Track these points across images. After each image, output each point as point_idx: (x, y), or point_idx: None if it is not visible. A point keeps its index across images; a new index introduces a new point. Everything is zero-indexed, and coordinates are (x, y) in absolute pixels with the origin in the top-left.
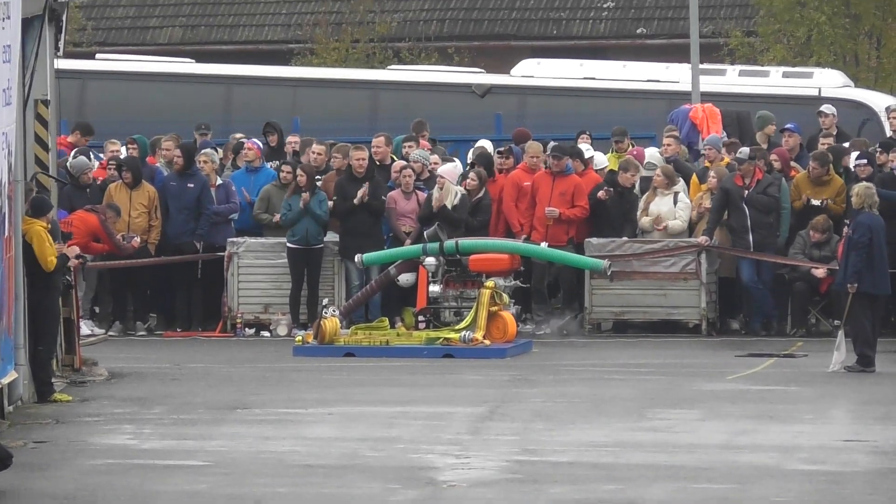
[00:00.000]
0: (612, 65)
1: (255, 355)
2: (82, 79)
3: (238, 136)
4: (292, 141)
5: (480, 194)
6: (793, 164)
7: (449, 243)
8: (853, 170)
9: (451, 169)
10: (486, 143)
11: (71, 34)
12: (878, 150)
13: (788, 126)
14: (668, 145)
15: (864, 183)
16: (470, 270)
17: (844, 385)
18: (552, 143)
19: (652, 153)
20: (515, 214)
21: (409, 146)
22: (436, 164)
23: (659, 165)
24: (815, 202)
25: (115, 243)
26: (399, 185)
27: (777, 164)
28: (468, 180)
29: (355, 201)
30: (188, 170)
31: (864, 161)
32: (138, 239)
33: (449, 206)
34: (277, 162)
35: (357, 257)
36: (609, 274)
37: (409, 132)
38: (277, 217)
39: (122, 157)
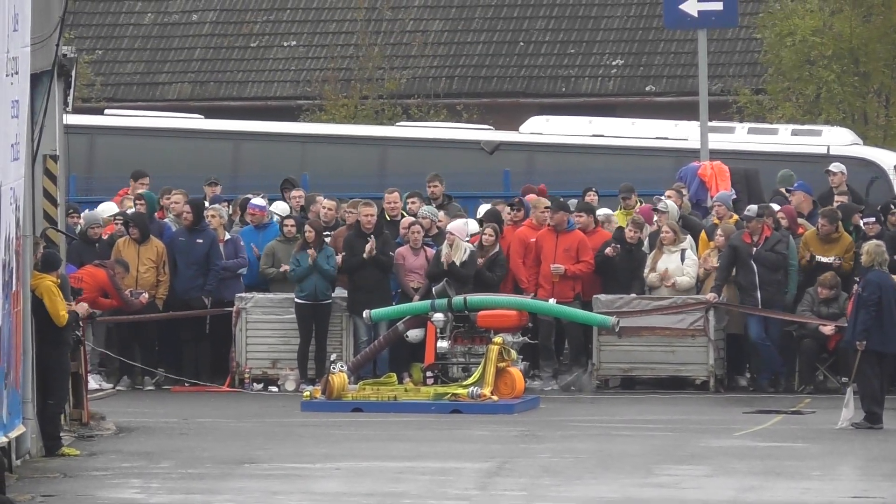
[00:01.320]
0: (621, 122)
1: (262, 410)
2: (91, 134)
3: (260, 198)
4: (297, 196)
5: (496, 250)
6: (802, 221)
7: (457, 299)
8: (863, 228)
9: (460, 226)
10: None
11: (80, 90)
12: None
13: (798, 184)
14: (670, 197)
15: (875, 241)
16: (478, 326)
17: (852, 442)
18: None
19: (670, 204)
20: (523, 271)
21: (413, 202)
22: (442, 221)
23: (669, 210)
24: (825, 260)
25: (124, 299)
26: (407, 242)
27: (784, 222)
28: (486, 236)
29: (364, 255)
30: (197, 225)
31: (873, 219)
32: (146, 295)
33: (458, 263)
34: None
35: (365, 313)
36: (617, 330)
37: (417, 188)
38: (285, 267)
39: (129, 212)
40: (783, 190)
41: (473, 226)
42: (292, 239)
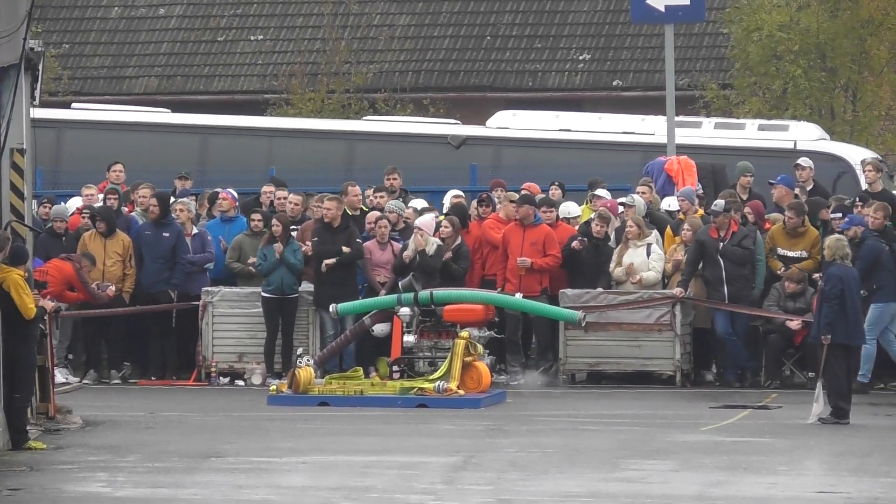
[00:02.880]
0: (588, 117)
1: (229, 404)
2: (58, 128)
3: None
4: (267, 191)
5: (458, 241)
6: (775, 215)
7: (423, 293)
8: (830, 223)
9: (428, 220)
10: (457, 192)
11: (47, 83)
12: (858, 202)
13: (781, 178)
14: (643, 194)
15: (836, 235)
16: (444, 321)
17: (818, 437)
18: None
19: (637, 198)
20: (490, 266)
21: (381, 196)
22: (410, 216)
23: (636, 205)
24: (791, 254)
25: (90, 292)
26: (374, 236)
27: (751, 217)
28: (442, 228)
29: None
30: (164, 219)
31: (839, 214)
32: (113, 288)
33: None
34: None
35: (332, 307)
36: (583, 325)
37: (383, 182)
38: (252, 260)
39: (96, 206)
40: (741, 182)
41: (424, 219)
42: (259, 233)
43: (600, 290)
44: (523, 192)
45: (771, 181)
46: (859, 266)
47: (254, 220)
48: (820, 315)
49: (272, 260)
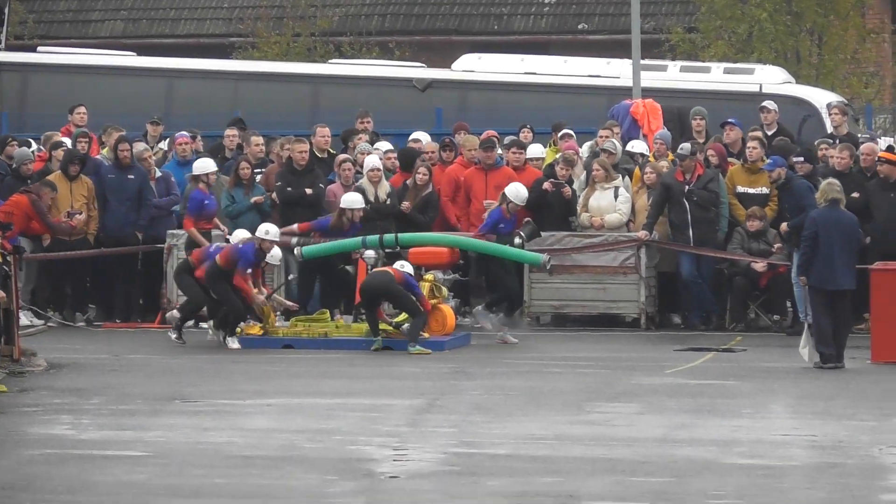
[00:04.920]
0: (553, 60)
1: (193, 347)
2: (23, 72)
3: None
4: (230, 134)
5: (429, 190)
6: (731, 159)
7: (388, 236)
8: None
9: (377, 161)
10: (422, 136)
11: (12, 27)
12: (826, 145)
13: (730, 120)
14: (606, 138)
15: (829, 179)
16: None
17: (783, 380)
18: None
19: (617, 144)
20: (452, 210)
21: (360, 138)
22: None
23: (617, 151)
24: (752, 191)
25: (48, 223)
26: (339, 179)
27: (714, 160)
28: (419, 175)
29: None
30: (130, 162)
31: (802, 159)
32: (81, 216)
33: (382, 198)
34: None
35: (296, 250)
36: (548, 268)
37: (350, 125)
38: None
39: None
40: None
41: (375, 161)
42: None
43: (565, 233)
44: (485, 137)
45: (723, 123)
46: (789, 207)
47: (243, 168)
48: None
49: (243, 203)
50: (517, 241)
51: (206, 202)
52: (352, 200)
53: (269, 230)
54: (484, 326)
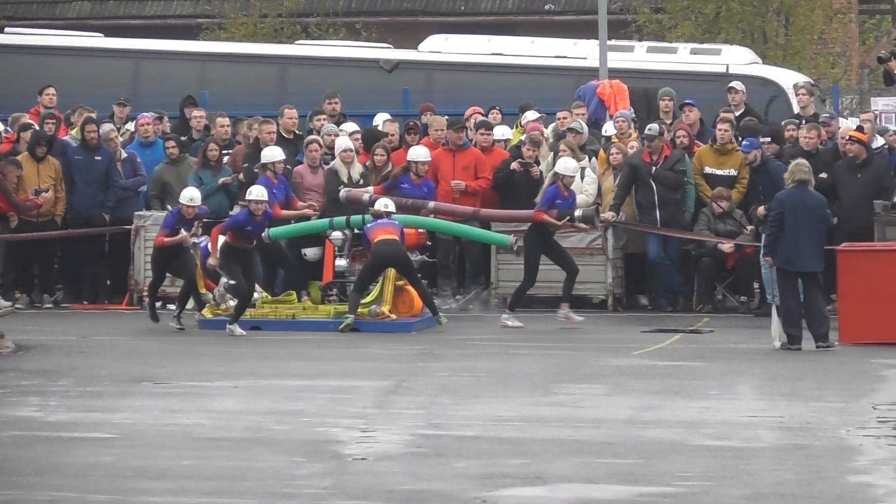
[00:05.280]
0: (520, 41)
1: (161, 328)
2: None
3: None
4: (197, 115)
5: (388, 169)
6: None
7: (356, 217)
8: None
9: (348, 142)
10: (379, 118)
11: None
12: (794, 125)
13: (688, 101)
14: (564, 119)
15: (799, 159)
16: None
17: (750, 361)
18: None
19: (583, 125)
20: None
21: (319, 119)
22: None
23: (583, 132)
24: (719, 172)
25: (13, 202)
26: (306, 159)
27: (685, 140)
28: (377, 156)
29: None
30: (97, 143)
31: (769, 139)
32: (48, 194)
33: (356, 178)
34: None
35: (265, 232)
36: (515, 249)
37: (317, 106)
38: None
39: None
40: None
41: (347, 142)
42: (178, 160)
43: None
44: (455, 118)
45: (681, 104)
46: (764, 189)
47: (168, 147)
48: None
49: (211, 184)
50: (577, 214)
51: (274, 191)
52: (415, 154)
53: (252, 191)
54: (505, 324)
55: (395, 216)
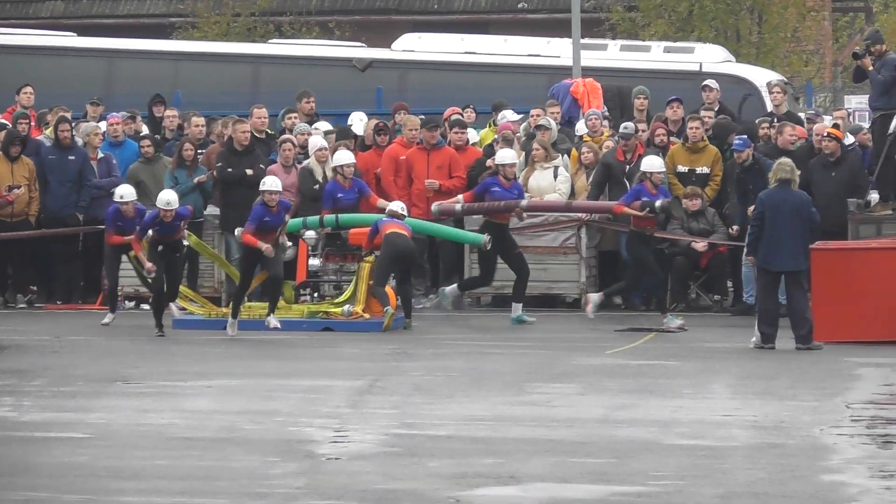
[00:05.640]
0: (494, 39)
1: (134, 328)
2: None
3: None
4: (170, 115)
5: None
6: (672, 138)
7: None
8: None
9: (322, 142)
10: (360, 115)
11: None
12: (766, 124)
13: (675, 98)
14: (538, 116)
15: (783, 158)
16: (350, 244)
17: (724, 360)
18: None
19: (552, 121)
20: (395, 190)
21: (290, 118)
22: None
23: (552, 128)
24: (691, 169)
25: None
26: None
27: (663, 138)
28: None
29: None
30: (70, 143)
31: (745, 137)
32: (20, 190)
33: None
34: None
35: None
36: (489, 248)
37: (290, 105)
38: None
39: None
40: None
41: (321, 141)
42: (153, 159)
43: None
44: (429, 117)
45: (669, 101)
46: (755, 188)
47: (143, 145)
48: None
49: (188, 184)
50: (658, 203)
51: (340, 195)
52: (502, 156)
53: (266, 181)
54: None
55: (375, 216)
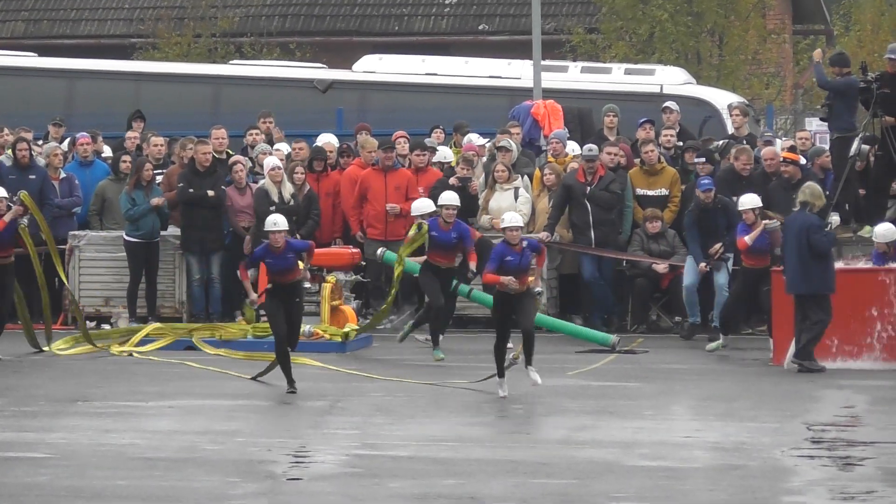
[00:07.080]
0: (454, 61)
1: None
2: None
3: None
4: (131, 136)
5: (307, 189)
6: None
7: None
8: (693, 168)
9: (277, 162)
10: (329, 137)
11: None
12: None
13: (646, 119)
14: (503, 137)
15: (809, 182)
16: (311, 265)
17: (685, 381)
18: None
19: (513, 143)
20: (355, 213)
21: (251, 135)
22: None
23: (512, 150)
24: (651, 192)
25: None
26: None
27: (622, 160)
28: (296, 175)
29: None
30: (29, 162)
31: (703, 159)
32: None
33: (286, 198)
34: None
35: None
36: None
37: (252, 125)
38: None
39: None
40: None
41: (275, 161)
42: (123, 178)
43: None
44: (385, 139)
45: (641, 122)
46: (723, 225)
47: (124, 161)
48: None
49: (143, 206)
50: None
51: (435, 233)
52: (445, 198)
53: (276, 222)
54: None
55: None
